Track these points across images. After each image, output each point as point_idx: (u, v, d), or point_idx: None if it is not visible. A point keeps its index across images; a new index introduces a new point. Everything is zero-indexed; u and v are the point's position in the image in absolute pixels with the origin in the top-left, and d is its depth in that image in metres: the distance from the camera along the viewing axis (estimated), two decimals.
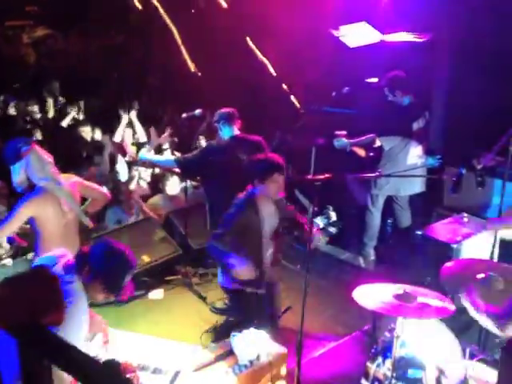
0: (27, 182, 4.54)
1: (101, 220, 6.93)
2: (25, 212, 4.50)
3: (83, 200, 4.97)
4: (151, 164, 6.68)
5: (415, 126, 6.49)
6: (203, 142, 8.38)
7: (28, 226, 4.77)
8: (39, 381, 1.45)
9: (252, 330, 4.21)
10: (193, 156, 5.80)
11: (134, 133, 8.65)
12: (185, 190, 6.60)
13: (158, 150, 8.04)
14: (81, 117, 9.22)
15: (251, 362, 3.92)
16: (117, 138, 8.53)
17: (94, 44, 11.81)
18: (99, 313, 5.76)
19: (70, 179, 4.74)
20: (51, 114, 9.30)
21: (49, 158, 4.59)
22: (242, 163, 5.55)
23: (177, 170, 6.07)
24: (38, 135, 8.17)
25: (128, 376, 3.18)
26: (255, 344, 4.01)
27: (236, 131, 5.62)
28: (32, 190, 4.54)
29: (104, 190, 5.08)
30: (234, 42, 10.43)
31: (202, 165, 5.62)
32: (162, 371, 3.83)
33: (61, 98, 9.60)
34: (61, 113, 9.33)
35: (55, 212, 4.55)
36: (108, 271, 3.32)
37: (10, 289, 1.92)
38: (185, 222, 6.67)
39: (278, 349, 4.10)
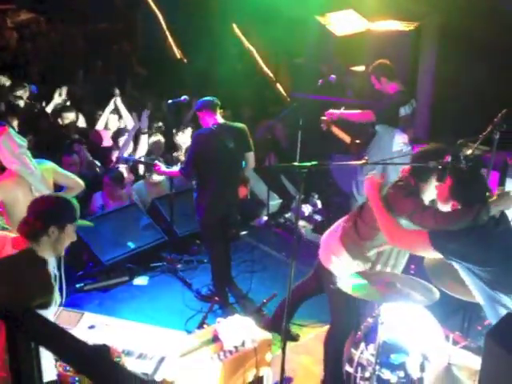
0: None
1: (87, 205, 6.89)
2: None
3: (59, 187, 4.92)
4: (134, 162, 6.61)
5: (402, 111, 6.50)
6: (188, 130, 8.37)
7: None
8: (27, 363, 1.44)
9: (237, 316, 4.23)
10: (187, 158, 5.70)
11: (120, 119, 8.60)
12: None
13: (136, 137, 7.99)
14: (65, 103, 9.13)
15: (236, 348, 3.94)
16: (100, 125, 8.47)
17: (78, 29, 11.72)
18: (83, 299, 5.82)
19: (43, 164, 4.69)
20: (34, 99, 9.21)
21: (23, 140, 4.53)
22: (230, 151, 5.53)
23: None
24: (19, 119, 8.06)
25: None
26: (240, 330, 4.02)
27: (220, 119, 5.58)
28: (2, 173, 4.49)
29: (78, 179, 5.02)
30: (221, 28, 10.39)
31: (196, 158, 5.53)
32: (147, 357, 3.84)
33: (40, 88, 9.48)
34: (44, 98, 9.25)
35: (24, 196, 4.49)
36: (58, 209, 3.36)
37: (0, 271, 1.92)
38: (170, 208, 6.64)
39: (263, 335, 4.11)
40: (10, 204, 4.49)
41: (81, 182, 5.00)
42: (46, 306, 2.06)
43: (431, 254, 3.66)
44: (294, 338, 5.31)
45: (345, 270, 4.24)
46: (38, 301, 1.73)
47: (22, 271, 2.40)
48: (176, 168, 6.14)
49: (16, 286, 1.76)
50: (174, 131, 8.07)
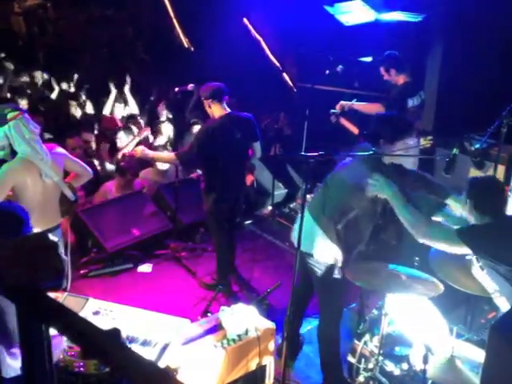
0: (9, 148, 4.47)
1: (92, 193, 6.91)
2: (8, 182, 4.44)
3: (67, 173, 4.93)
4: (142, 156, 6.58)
5: (410, 103, 6.48)
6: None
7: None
8: (38, 346, 1.45)
9: (240, 304, 4.24)
10: (192, 147, 5.56)
11: (126, 106, 8.59)
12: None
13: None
14: (71, 89, 9.13)
15: (240, 337, 3.95)
16: (106, 112, 8.46)
17: (84, 16, 11.68)
18: (87, 285, 5.83)
19: (54, 150, 4.69)
20: (40, 84, 9.20)
21: (36, 127, 4.52)
22: (237, 141, 5.52)
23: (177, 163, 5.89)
24: (25, 103, 8.06)
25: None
26: (244, 318, 4.03)
27: (226, 108, 5.55)
28: (13, 157, 4.48)
29: (87, 167, 5.03)
30: (229, 16, 10.35)
31: (203, 150, 5.47)
32: (150, 344, 3.85)
33: (46, 74, 9.46)
34: (50, 84, 9.24)
35: (33, 182, 4.49)
36: None
37: (11, 251, 1.92)
38: (175, 196, 6.65)
39: (266, 324, 4.12)
40: (18, 189, 4.48)
41: (89, 170, 5.01)
42: (56, 289, 2.08)
43: (463, 250, 3.68)
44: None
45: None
46: (50, 284, 1.74)
47: (35, 253, 2.41)
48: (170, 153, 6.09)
49: (30, 268, 1.77)
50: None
